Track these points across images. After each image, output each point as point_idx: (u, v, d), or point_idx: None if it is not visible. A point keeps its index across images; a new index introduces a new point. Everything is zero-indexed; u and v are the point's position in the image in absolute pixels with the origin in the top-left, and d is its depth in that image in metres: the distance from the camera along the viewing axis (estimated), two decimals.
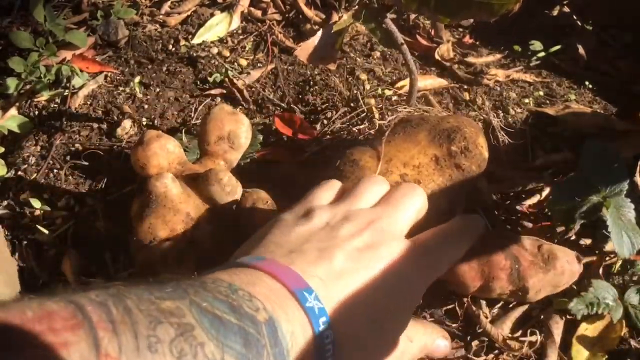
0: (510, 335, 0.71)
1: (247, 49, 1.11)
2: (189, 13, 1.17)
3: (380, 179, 0.60)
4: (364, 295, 0.43)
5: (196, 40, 1.10)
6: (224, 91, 1.01)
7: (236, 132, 0.70)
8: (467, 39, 1.17)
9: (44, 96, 0.99)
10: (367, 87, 1.00)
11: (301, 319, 0.39)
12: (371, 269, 0.45)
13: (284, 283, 0.39)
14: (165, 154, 0.67)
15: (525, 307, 0.73)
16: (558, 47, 1.10)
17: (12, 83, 0.98)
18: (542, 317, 0.71)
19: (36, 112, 0.99)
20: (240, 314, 0.34)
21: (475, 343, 0.70)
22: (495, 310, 0.73)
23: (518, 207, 0.81)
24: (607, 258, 0.76)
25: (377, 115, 0.89)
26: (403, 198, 0.55)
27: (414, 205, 0.57)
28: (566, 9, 1.22)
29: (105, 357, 0.27)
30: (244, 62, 1.07)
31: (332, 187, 0.60)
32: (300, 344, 0.38)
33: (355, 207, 0.52)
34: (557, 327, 0.70)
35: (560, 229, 0.78)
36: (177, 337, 0.30)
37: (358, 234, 0.47)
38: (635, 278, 0.75)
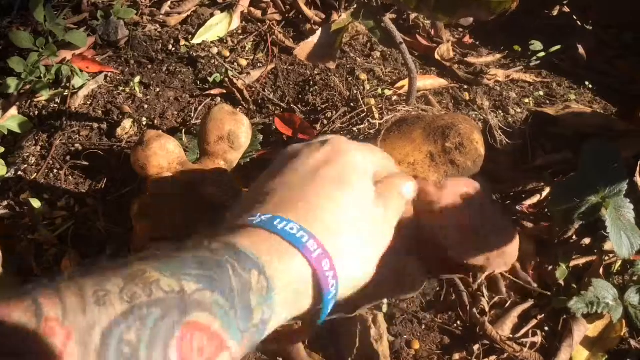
0: (511, 335, 0.71)
1: (247, 49, 1.11)
2: (189, 13, 1.18)
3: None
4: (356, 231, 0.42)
5: (196, 40, 1.11)
6: (224, 91, 1.01)
7: (236, 132, 0.70)
8: (467, 39, 1.17)
9: (44, 96, 0.99)
10: (367, 87, 1.00)
11: (273, 238, 0.37)
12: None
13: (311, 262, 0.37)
14: (165, 154, 0.67)
15: (525, 306, 0.73)
16: (558, 47, 1.10)
17: (12, 83, 0.98)
18: (564, 317, 0.71)
19: (36, 112, 0.99)
20: (197, 248, 0.34)
21: (476, 347, 0.70)
22: (495, 311, 0.73)
23: (518, 207, 0.81)
24: (607, 258, 0.76)
25: (377, 115, 0.89)
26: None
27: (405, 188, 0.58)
28: (566, 9, 1.22)
29: (46, 322, 0.26)
30: (244, 62, 1.07)
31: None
32: (276, 262, 0.36)
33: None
34: (579, 328, 0.70)
35: (560, 229, 0.78)
36: (127, 284, 0.28)
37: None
38: (635, 278, 0.75)
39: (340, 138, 0.47)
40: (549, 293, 0.75)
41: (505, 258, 0.67)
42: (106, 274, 0.29)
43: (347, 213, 0.40)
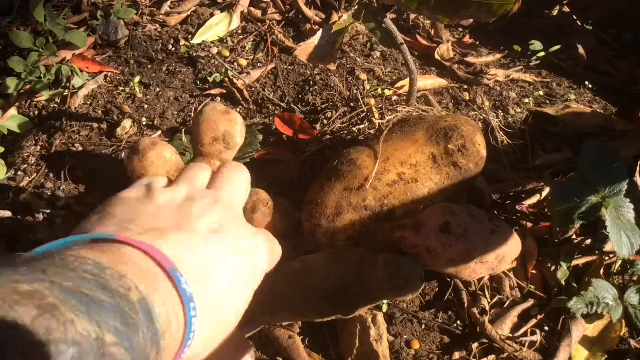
0: (511, 335, 0.71)
1: (247, 49, 1.11)
2: (189, 13, 1.18)
3: (204, 165, 0.59)
4: (220, 277, 0.42)
5: (196, 40, 1.10)
6: (224, 91, 1.01)
7: (231, 132, 0.70)
8: (467, 39, 1.17)
9: (44, 96, 0.99)
10: (367, 87, 1.00)
11: (175, 302, 0.37)
12: (224, 248, 0.44)
13: (159, 262, 0.37)
14: (162, 163, 0.65)
15: (525, 306, 0.73)
16: (558, 47, 1.10)
17: (12, 83, 0.98)
18: (562, 317, 0.71)
19: (36, 112, 0.99)
20: (112, 292, 0.31)
21: (475, 345, 0.70)
22: (494, 310, 0.73)
23: (518, 207, 0.81)
24: (607, 258, 0.77)
25: (377, 115, 0.89)
26: (233, 174, 0.56)
27: (244, 179, 0.57)
28: (566, 9, 1.22)
29: None
30: (244, 62, 1.07)
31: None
32: (173, 328, 0.36)
33: (193, 189, 0.51)
34: (577, 328, 0.70)
35: (560, 229, 0.78)
36: (40, 315, 0.26)
37: (209, 211, 0.46)
38: (635, 278, 0.75)
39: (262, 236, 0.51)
40: (544, 296, 0.75)
41: (501, 261, 0.67)
42: (11, 291, 0.27)
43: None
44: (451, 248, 0.64)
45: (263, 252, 0.48)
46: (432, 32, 1.15)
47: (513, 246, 0.67)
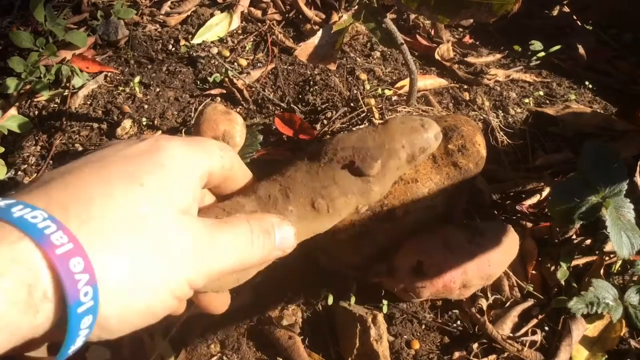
0: (511, 334, 0.71)
1: (247, 49, 1.11)
2: (189, 13, 1.18)
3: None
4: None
5: (196, 40, 1.10)
6: (224, 91, 1.01)
7: (231, 132, 0.70)
8: (467, 39, 1.17)
9: (44, 96, 0.99)
10: (367, 87, 1.00)
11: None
12: None
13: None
14: None
15: (525, 305, 0.73)
16: (558, 47, 1.10)
17: (12, 83, 0.98)
18: (563, 317, 0.71)
19: (36, 112, 0.99)
20: None
21: (475, 345, 0.70)
22: (495, 310, 0.73)
23: (518, 207, 0.81)
24: (607, 258, 0.77)
25: (377, 115, 0.89)
26: None
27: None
28: (566, 9, 1.22)
29: None
30: (244, 62, 1.07)
31: None
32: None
33: None
34: (578, 328, 0.70)
35: (560, 229, 0.78)
36: None
37: None
38: (635, 278, 0.75)
39: (164, 136, 0.37)
40: (544, 296, 0.75)
41: (488, 278, 0.67)
42: None
43: (130, 218, 0.31)
44: (426, 289, 0.64)
45: None
46: (432, 32, 1.15)
47: (500, 259, 0.67)
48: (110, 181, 0.32)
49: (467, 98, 1.00)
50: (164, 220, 0.32)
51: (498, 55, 1.12)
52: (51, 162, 0.90)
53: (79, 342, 0.29)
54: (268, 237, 0.38)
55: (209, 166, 0.38)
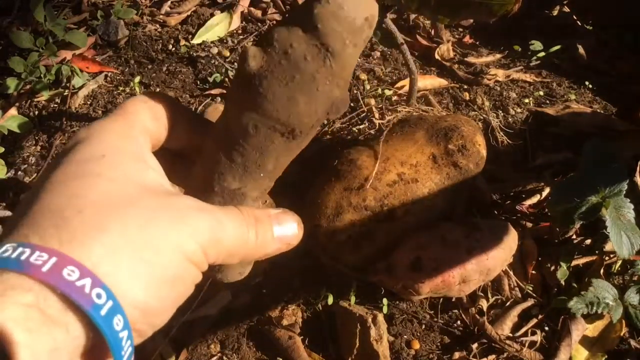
0: (511, 334, 0.71)
1: None
2: (189, 13, 1.18)
3: None
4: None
5: (196, 40, 1.10)
6: (224, 91, 1.01)
7: None
8: (467, 39, 1.17)
9: (44, 96, 0.99)
10: (367, 87, 1.00)
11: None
12: None
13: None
14: None
15: (525, 305, 0.73)
16: (558, 47, 1.10)
17: (12, 83, 0.98)
18: (562, 317, 0.71)
19: (36, 112, 0.99)
20: None
21: (475, 345, 0.70)
22: (495, 310, 0.73)
23: (518, 207, 0.81)
24: (607, 258, 0.77)
25: (377, 115, 0.89)
26: None
27: None
28: (566, 9, 1.22)
29: None
30: None
31: None
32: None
33: None
34: (577, 328, 0.70)
35: (560, 229, 0.78)
36: None
37: None
38: (635, 278, 0.75)
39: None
40: (544, 296, 0.75)
41: (488, 273, 0.68)
42: None
43: (106, 203, 0.29)
44: (425, 284, 0.65)
45: None
46: (432, 32, 1.15)
47: (499, 254, 0.67)
48: (67, 182, 0.29)
49: (467, 98, 1.00)
50: (141, 191, 0.30)
51: (498, 55, 1.12)
52: (51, 162, 0.90)
53: (127, 345, 0.27)
54: (263, 227, 0.35)
55: (141, 126, 0.34)
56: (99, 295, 0.25)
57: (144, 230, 0.28)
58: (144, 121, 0.34)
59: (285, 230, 0.37)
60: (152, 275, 0.28)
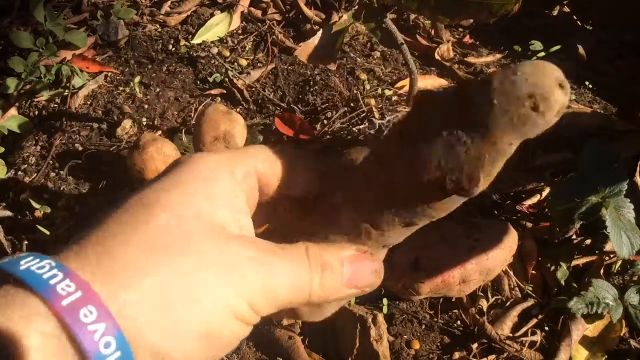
0: (511, 334, 0.71)
1: (247, 49, 1.11)
2: (189, 13, 1.17)
3: None
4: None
5: (196, 40, 1.10)
6: (224, 91, 1.01)
7: (231, 132, 0.70)
8: (467, 39, 1.17)
9: (44, 96, 0.99)
10: (367, 87, 1.00)
11: None
12: None
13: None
14: (162, 157, 0.66)
15: (525, 305, 0.73)
16: (558, 47, 1.10)
17: (12, 83, 0.98)
18: (562, 317, 0.71)
19: (36, 112, 0.99)
20: None
21: (475, 345, 0.70)
22: (495, 310, 0.73)
23: (518, 207, 0.81)
24: (607, 258, 0.77)
25: (377, 115, 0.89)
26: None
27: None
28: (566, 9, 1.22)
29: None
30: (244, 62, 1.07)
31: None
32: None
33: None
34: (577, 328, 0.70)
35: (560, 229, 0.78)
36: None
37: None
38: (635, 278, 0.75)
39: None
40: (544, 296, 0.75)
41: (488, 273, 0.68)
42: None
43: (155, 239, 0.27)
44: (425, 284, 0.65)
45: None
46: (432, 32, 1.15)
47: (499, 254, 0.67)
48: (132, 209, 0.29)
49: None
50: (200, 231, 0.28)
51: (498, 55, 1.12)
52: (51, 162, 0.90)
53: None
54: (331, 274, 0.31)
55: (248, 165, 0.32)
56: (107, 345, 0.24)
57: (186, 278, 0.27)
58: (255, 163, 0.32)
59: (358, 276, 0.33)
60: (181, 327, 0.26)
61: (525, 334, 0.71)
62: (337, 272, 0.31)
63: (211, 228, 0.29)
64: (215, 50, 1.09)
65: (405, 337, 0.71)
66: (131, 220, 0.28)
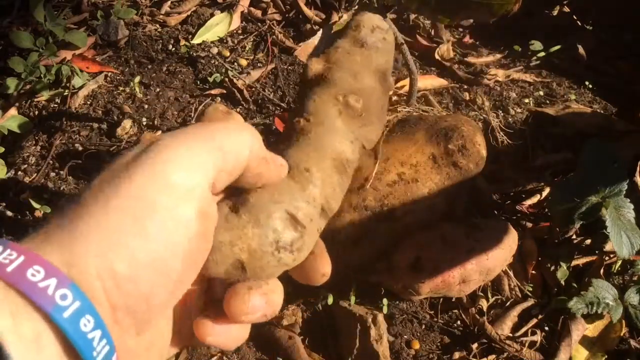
0: (511, 334, 0.71)
1: (247, 49, 1.11)
2: (189, 13, 1.17)
3: None
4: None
5: (196, 40, 1.10)
6: (224, 91, 1.01)
7: None
8: (467, 39, 1.17)
9: (44, 96, 0.99)
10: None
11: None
12: None
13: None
14: None
15: (525, 305, 0.73)
16: (558, 47, 1.10)
17: (12, 83, 0.98)
18: (562, 317, 0.71)
19: (36, 112, 0.99)
20: None
21: (475, 345, 0.70)
22: (495, 310, 0.73)
23: (518, 207, 0.81)
24: (607, 258, 0.77)
25: None
26: None
27: None
28: (566, 9, 1.22)
29: None
30: (244, 62, 1.07)
31: None
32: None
33: None
34: (577, 328, 0.70)
35: (560, 229, 0.78)
36: None
37: None
38: (635, 278, 0.75)
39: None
40: (544, 296, 0.75)
41: (488, 273, 0.68)
42: None
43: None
44: (425, 284, 0.65)
45: None
46: (432, 32, 1.15)
47: (499, 254, 0.67)
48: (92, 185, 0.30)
49: (467, 98, 1.00)
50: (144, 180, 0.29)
51: (498, 55, 1.12)
52: (51, 162, 0.90)
53: (101, 345, 0.26)
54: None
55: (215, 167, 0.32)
56: (63, 297, 0.25)
57: (127, 202, 0.28)
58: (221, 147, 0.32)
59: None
60: (115, 236, 0.27)
61: (525, 334, 0.71)
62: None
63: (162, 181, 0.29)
64: (215, 50, 1.09)
65: (405, 337, 0.71)
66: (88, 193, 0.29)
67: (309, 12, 1.17)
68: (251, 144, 0.32)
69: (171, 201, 0.28)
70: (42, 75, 0.99)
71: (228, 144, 0.31)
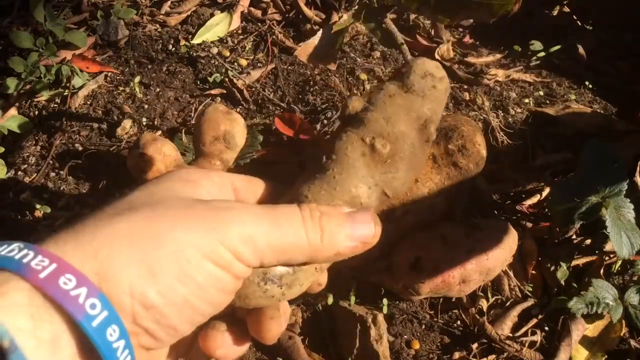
0: (511, 334, 0.71)
1: (247, 49, 1.11)
2: (189, 13, 1.17)
3: None
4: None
5: (196, 40, 1.10)
6: (224, 91, 1.01)
7: (231, 132, 0.70)
8: (467, 39, 1.17)
9: (44, 96, 0.99)
10: (367, 87, 1.00)
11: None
12: None
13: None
14: (162, 157, 0.66)
15: (525, 305, 0.73)
16: (558, 47, 1.10)
17: (12, 83, 0.98)
18: (562, 317, 0.71)
19: (36, 112, 0.99)
20: None
21: (475, 345, 0.70)
22: (495, 310, 0.73)
23: (518, 207, 0.81)
24: (607, 258, 0.77)
25: None
26: None
27: None
28: (566, 9, 1.22)
29: None
30: (244, 62, 1.07)
31: None
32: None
33: None
34: (577, 328, 0.70)
35: (560, 229, 0.78)
36: None
37: None
38: (635, 278, 0.75)
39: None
40: (544, 296, 0.75)
41: (488, 273, 0.68)
42: None
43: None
44: (425, 284, 0.65)
45: None
46: (432, 32, 1.15)
47: (499, 254, 0.67)
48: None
49: (467, 98, 1.00)
50: (174, 197, 0.32)
51: (498, 55, 1.12)
52: (51, 162, 0.90)
53: (124, 355, 0.27)
54: (329, 222, 0.32)
55: (223, 176, 0.38)
56: (93, 306, 0.26)
57: (155, 223, 0.29)
58: (231, 178, 0.37)
59: (360, 228, 0.33)
60: (154, 265, 0.28)
61: (525, 334, 0.71)
62: (337, 220, 0.32)
63: (185, 196, 0.32)
64: (215, 50, 1.09)
65: (405, 337, 0.71)
66: (114, 210, 0.30)
67: (309, 12, 1.17)
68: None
69: (218, 266, 0.30)
70: (42, 75, 0.99)
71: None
